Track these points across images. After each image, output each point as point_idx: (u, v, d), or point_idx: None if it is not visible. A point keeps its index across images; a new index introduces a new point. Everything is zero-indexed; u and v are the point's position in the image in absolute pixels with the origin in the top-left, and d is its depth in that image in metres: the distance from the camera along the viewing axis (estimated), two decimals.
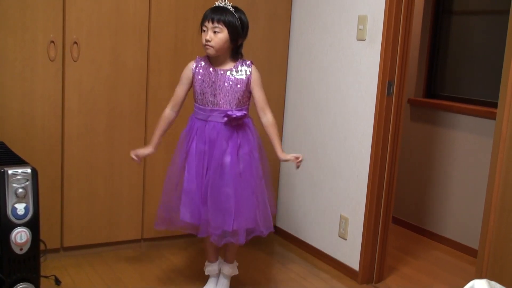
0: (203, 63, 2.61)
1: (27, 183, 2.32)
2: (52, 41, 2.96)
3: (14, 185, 2.29)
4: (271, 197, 2.78)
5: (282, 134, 3.74)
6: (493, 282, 1.60)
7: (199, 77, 2.59)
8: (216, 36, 2.51)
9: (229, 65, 2.60)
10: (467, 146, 3.78)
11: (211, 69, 2.59)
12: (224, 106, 2.57)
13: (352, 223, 3.21)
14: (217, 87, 2.57)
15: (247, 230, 2.63)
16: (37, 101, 2.98)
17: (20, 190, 2.30)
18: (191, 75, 2.62)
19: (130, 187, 3.31)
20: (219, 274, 2.87)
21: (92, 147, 3.16)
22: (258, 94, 2.63)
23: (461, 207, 3.83)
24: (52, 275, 2.93)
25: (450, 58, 4.09)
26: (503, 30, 2.49)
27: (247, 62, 2.62)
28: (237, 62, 2.60)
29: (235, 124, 2.59)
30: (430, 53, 4.16)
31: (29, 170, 2.32)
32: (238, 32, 2.55)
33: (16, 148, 2.82)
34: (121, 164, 3.25)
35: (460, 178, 3.84)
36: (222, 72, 2.58)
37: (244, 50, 3.48)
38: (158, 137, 2.74)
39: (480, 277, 2.46)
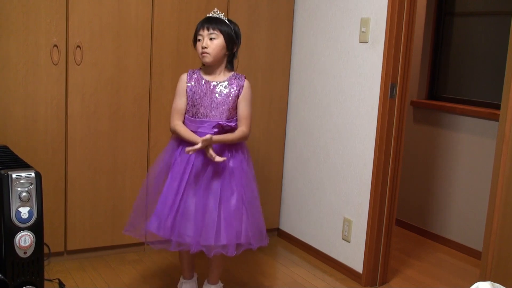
0: (195, 76, 2.61)
1: (30, 186, 2.32)
2: (55, 45, 2.96)
3: (18, 188, 2.30)
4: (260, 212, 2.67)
5: (284, 137, 3.75)
6: (497, 285, 1.60)
7: (191, 89, 2.58)
8: (213, 42, 2.51)
9: (223, 76, 2.60)
10: (470, 148, 3.78)
11: (203, 81, 2.58)
12: (215, 118, 2.56)
13: (356, 225, 3.21)
14: (208, 99, 2.56)
15: (237, 244, 2.53)
16: (40, 104, 2.99)
17: (24, 193, 2.30)
18: (185, 87, 2.60)
19: (134, 190, 3.30)
20: None
21: (95, 150, 3.16)
22: (243, 108, 2.59)
23: (465, 209, 3.82)
24: (56, 279, 2.93)
25: (453, 59, 4.09)
26: (505, 31, 2.49)
27: (241, 76, 2.61)
28: (231, 75, 2.60)
29: None
30: (432, 55, 4.15)
31: (32, 174, 2.33)
32: (233, 40, 2.56)
33: (20, 152, 2.83)
34: (125, 167, 3.26)
35: (463, 180, 3.83)
36: (214, 84, 2.57)
37: (246, 53, 3.49)
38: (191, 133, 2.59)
39: (484, 279, 2.45)
